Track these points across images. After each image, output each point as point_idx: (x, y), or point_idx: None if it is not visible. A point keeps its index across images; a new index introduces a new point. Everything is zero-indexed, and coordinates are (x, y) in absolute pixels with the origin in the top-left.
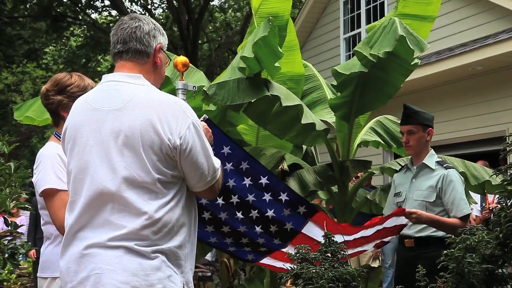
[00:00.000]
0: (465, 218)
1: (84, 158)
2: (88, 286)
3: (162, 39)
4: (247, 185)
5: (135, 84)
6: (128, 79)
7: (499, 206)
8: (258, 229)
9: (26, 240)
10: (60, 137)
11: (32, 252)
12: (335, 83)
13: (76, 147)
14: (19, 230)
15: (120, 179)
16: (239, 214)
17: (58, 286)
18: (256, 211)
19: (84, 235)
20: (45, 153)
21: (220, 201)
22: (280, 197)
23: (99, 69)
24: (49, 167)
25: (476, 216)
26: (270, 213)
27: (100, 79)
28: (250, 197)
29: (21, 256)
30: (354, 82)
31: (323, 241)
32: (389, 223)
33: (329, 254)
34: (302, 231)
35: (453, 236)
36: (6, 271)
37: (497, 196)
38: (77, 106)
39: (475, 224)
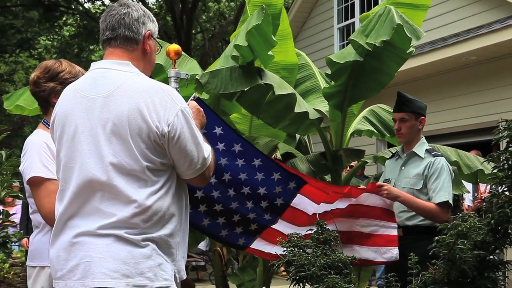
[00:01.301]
0: (442, 205)
1: (73, 146)
2: (78, 274)
3: (152, 26)
4: (240, 165)
5: (123, 71)
6: (117, 66)
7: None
8: (249, 204)
9: (18, 229)
10: (49, 125)
11: (25, 241)
12: (329, 72)
13: (65, 135)
14: (12, 219)
15: (109, 167)
16: (231, 191)
17: (47, 275)
18: (248, 188)
19: (74, 223)
20: (32, 141)
21: (212, 179)
22: (272, 177)
23: (93, 58)
24: (36, 155)
25: (468, 205)
26: (261, 190)
27: None
28: (242, 176)
29: (13, 245)
30: (348, 71)
31: (311, 213)
32: (366, 200)
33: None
34: (291, 204)
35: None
36: None
37: (488, 185)
38: (66, 93)
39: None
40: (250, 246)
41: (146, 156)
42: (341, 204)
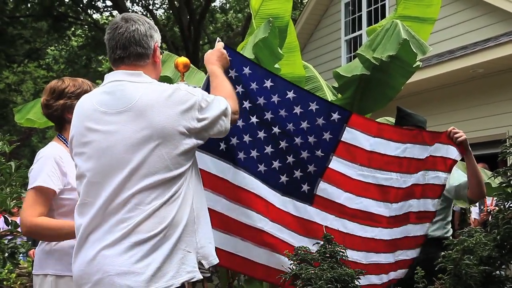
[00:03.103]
0: None
1: (99, 161)
2: None
3: (157, 36)
4: (276, 102)
5: (138, 83)
6: (130, 78)
7: (497, 208)
8: (298, 140)
9: (26, 240)
10: (63, 139)
11: (32, 251)
12: (336, 85)
13: (88, 151)
14: (19, 229)
15: (137, 180)
16: (276, 129)
17: (49, 283)
18: (291, 124)
19: (95, 237)
20: (43, 152)
21: (254, 119)
22: (310, 108)
23: (100, 69)
24: (43, 166)
25: (474, 219)
26: (304, 124)
27: (101, 80)
28: (282, 112)
29: (21, 255)
30: (355, 84)
31: (368, 149)
32: (437, 150)
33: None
34: (342, 139)
35: (450, 237)
36: (6, 270)
37: (495, 199)
38: (83, 109)
39: (473, 227)
40: (316, 193)
41: (178, 163)
42: (410, 151)
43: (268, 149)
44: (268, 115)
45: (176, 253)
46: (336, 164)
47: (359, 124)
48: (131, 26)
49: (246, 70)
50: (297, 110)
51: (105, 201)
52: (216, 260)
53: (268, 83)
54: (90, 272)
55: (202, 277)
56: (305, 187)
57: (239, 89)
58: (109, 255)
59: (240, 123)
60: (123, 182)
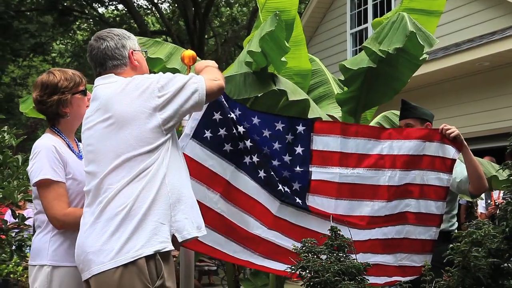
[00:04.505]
0: None
1: (87, 156)
2: (86, 266)
3: (131, 43)
4: (248, 128)
5: (106, 84)
6: (102, 81)
7: (505, 201)
8: (275, 162)
9: (32, 233)
10: (56, 131)
11: None
12: (342, 78)
13: (84, 150)
14: (26, 222)
15: (107, 163)
16: (255, 158)
17: (45, 274)
18: (266, 147)
19: (84, 221)
20: (41, 144)
21: (241, 145)
22: (277, 128)
23: None
24: (44, 158)
25: (481, 212)
26: (276, 145)
27: None
28: (256, 137)
29: (28, 248)
30: (362, 77)
31: (339, 150)
32: (433, 149)
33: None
34: (313, 148)
35: (456, 230)
36: (13, 263)
37: (502, 192)
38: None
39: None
40: (309, 204)
41: (142, 140)
42: (394, 149)
43: (261, 173)
44: (248, 144)
45: (146, 224)
46: (317, 174)
47: (323, 129)
48: (101, 45)
49: (222, 99)
50: (266, 133)
51: (92, 187)
52: (190, 235)
53: (237, 112)
54: (79, 253)
55: (173, 248)
56: (298, 199)
57: (217, 116)
58: (87, 235)
59: (227, 147)
60: (100, 167)
